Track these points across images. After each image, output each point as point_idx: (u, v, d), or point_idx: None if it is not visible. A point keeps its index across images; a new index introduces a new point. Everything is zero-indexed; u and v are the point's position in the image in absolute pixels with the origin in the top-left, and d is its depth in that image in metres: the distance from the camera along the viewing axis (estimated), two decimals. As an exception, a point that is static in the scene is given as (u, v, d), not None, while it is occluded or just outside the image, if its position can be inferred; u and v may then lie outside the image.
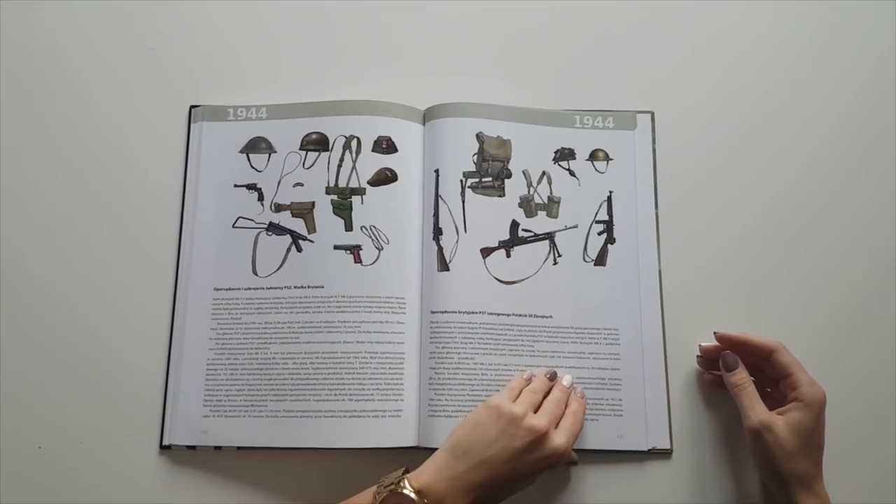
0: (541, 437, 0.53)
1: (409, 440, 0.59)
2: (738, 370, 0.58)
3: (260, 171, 0.65)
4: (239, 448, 0.60)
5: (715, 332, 0.60)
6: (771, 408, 0.56)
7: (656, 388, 0.62)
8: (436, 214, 0.64)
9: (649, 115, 0.68)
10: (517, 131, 0.66)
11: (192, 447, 0.60)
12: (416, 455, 0.58)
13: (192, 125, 0.67)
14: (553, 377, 0.59)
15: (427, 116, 0.66)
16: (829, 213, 0.66)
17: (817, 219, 0.66)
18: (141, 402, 0.61)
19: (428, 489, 0.51)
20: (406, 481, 0.51)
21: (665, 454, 0.61)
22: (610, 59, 0.70)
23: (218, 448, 0.60)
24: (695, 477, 0.61)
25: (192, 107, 0.67)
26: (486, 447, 0.52)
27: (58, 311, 0.63)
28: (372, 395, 0.59)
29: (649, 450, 0.61)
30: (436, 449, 0.55)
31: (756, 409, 0.56)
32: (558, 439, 0.54)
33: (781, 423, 0.55)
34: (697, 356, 0.62)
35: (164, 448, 0.60)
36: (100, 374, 0.62)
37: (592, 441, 0.60)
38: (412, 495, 0.50)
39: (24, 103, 0.68)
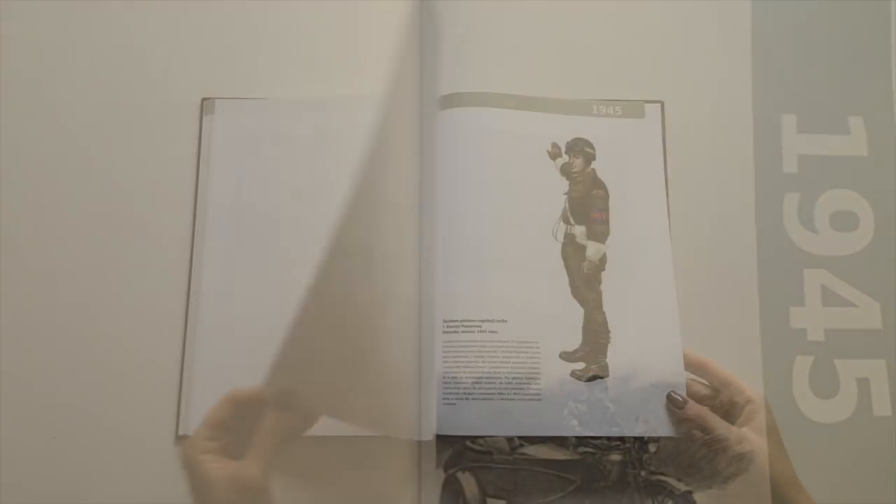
0: None
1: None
2: (689, 403, 0.56)
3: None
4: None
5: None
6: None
7: None
8: None
9: (658, 105, 0.68)
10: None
11: (209, 437, 0.59)
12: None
13: (203, 117, 0.66)
14: None
15: (443, 105, 0.66)
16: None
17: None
18: (156, 391, 0.60)
19: None
20: None
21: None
22: (620, 48, 0.70)
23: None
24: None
25: (205, 99, 0.67)
26: None
27: (72, 300, 0.62)
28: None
29: None
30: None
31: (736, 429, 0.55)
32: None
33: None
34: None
35: (181, 437, 0.59)
36: (114, 364, 0.61)
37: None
38: None
39: (30, 97, 0.67)
